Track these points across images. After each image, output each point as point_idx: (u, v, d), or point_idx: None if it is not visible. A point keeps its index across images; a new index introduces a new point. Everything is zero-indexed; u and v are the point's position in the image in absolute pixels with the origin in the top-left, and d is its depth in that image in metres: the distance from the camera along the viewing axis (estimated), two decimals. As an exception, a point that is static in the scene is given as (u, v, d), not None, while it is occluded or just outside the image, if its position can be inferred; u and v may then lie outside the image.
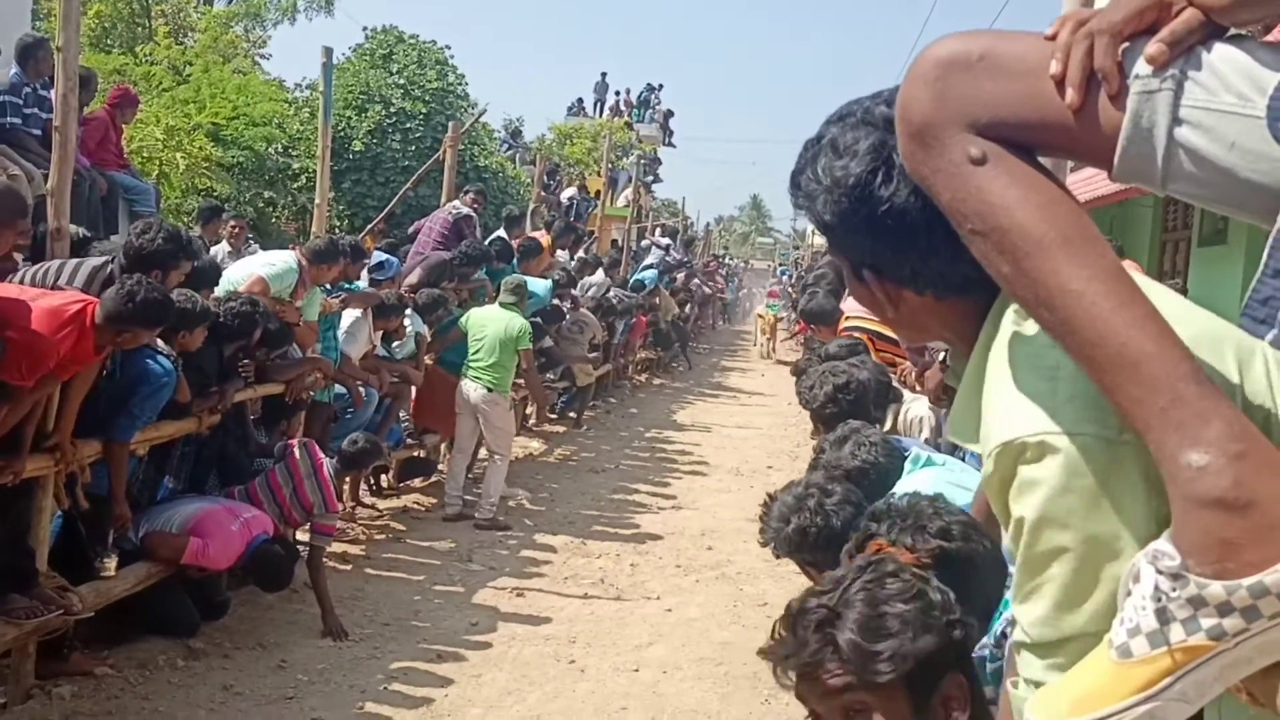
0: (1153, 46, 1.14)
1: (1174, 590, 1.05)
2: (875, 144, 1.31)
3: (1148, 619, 1.06)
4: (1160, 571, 1.06)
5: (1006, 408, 1.20)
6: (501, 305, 8.85)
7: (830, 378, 4.07)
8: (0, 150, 7.33)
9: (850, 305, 5.85)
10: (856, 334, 5.48)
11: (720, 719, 5.04)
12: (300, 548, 6.97)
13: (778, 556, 3.04)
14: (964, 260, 1.23)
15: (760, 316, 27.91)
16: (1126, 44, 1.16)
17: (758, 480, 10.72)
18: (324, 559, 6.27)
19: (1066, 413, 1.16)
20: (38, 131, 7.84)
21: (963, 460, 3.41)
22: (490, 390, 8.58)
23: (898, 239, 1.31)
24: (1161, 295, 1.22)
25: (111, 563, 5.08)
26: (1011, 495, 1.18)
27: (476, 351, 8.63)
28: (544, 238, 12.96)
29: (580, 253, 14.55)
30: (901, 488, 3.06)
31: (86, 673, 4.88)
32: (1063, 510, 1.14)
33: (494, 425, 8.70)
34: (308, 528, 7.43)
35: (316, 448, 6.19)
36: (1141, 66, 1.14)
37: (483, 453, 9.31)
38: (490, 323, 8.71)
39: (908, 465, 3.22)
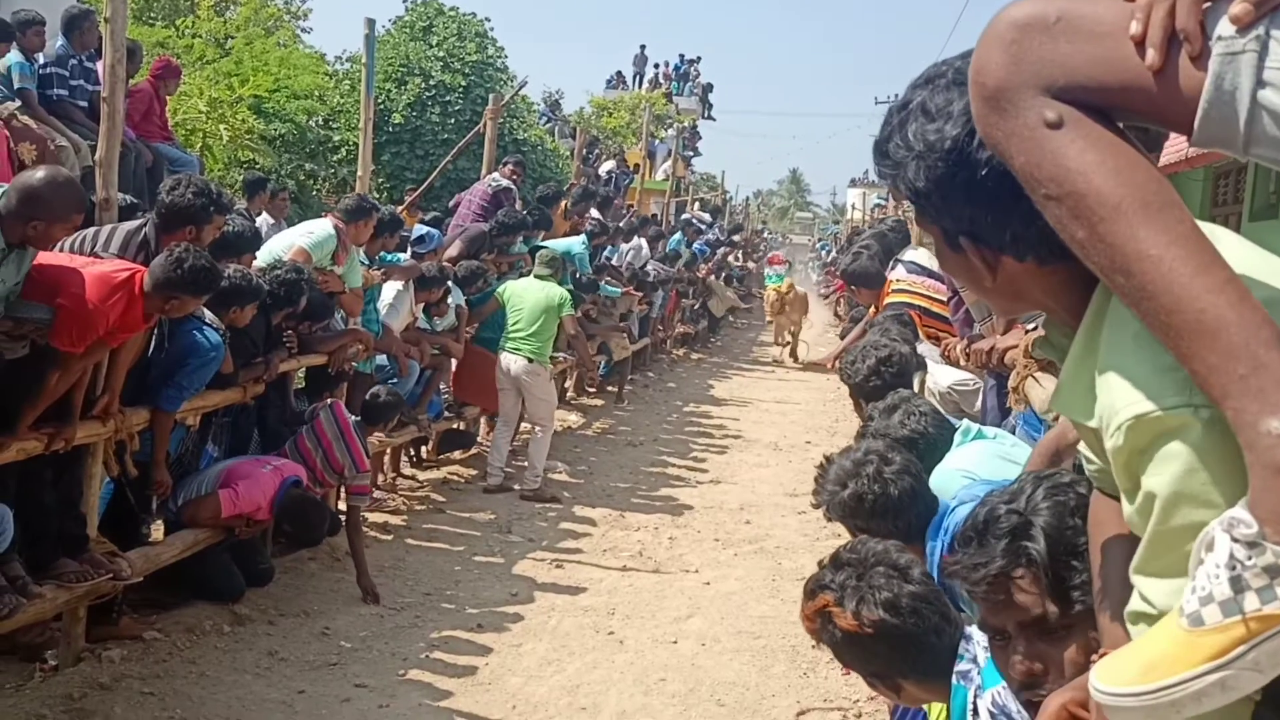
0: (1237, 6, 1.11)
1: (1250, 558, 1.04)
2: (969, 105, 1.27)
3: (1221, 587, 1.05)
4: (1236, 539, 1.04)
5: (1137, 379, 1.16)
6: (536, 277, 8.87)
7: (873, 351, 4.05)
8: (47, 122, 7.42)
9: (897, 274, 5.77)
10: (903, 307, 5.42)
11: (759, 691, 5.05)
12: (341, 516, 7.07)
13: (829, 519, 3.03)
14: None
15: (768, 293, 20.06)
16: (1209, 4, 1.13)
17: (796, 455, 10.70)
18: (361, 522, 6.33)
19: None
20: (84, 103, 7.92)
21: (1012, 431, 3.37)
22: (531, 361, 8.60)
23: (997, 203, 1.27)
24: (1240, 249, 1.19)
25: (158, 529, 5.15)
26: (1141, 469, 1.15)
27: (516, 323, 8.66)
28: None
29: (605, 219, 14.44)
30: (950, 461, 3.05)
31: (135, 637, 4.96)
32: (1197, 486, 1.11)
33: (536, 396, 8.73)
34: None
35: (343, 409, 6.25)
36: (1225, 27, 1.11)
37: (525, 425, 9.34)
38: (528, 293, 8.73)
39: (957, 437, 3.19)
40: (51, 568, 4.52)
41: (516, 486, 8.49)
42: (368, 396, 6.63)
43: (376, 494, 7.87)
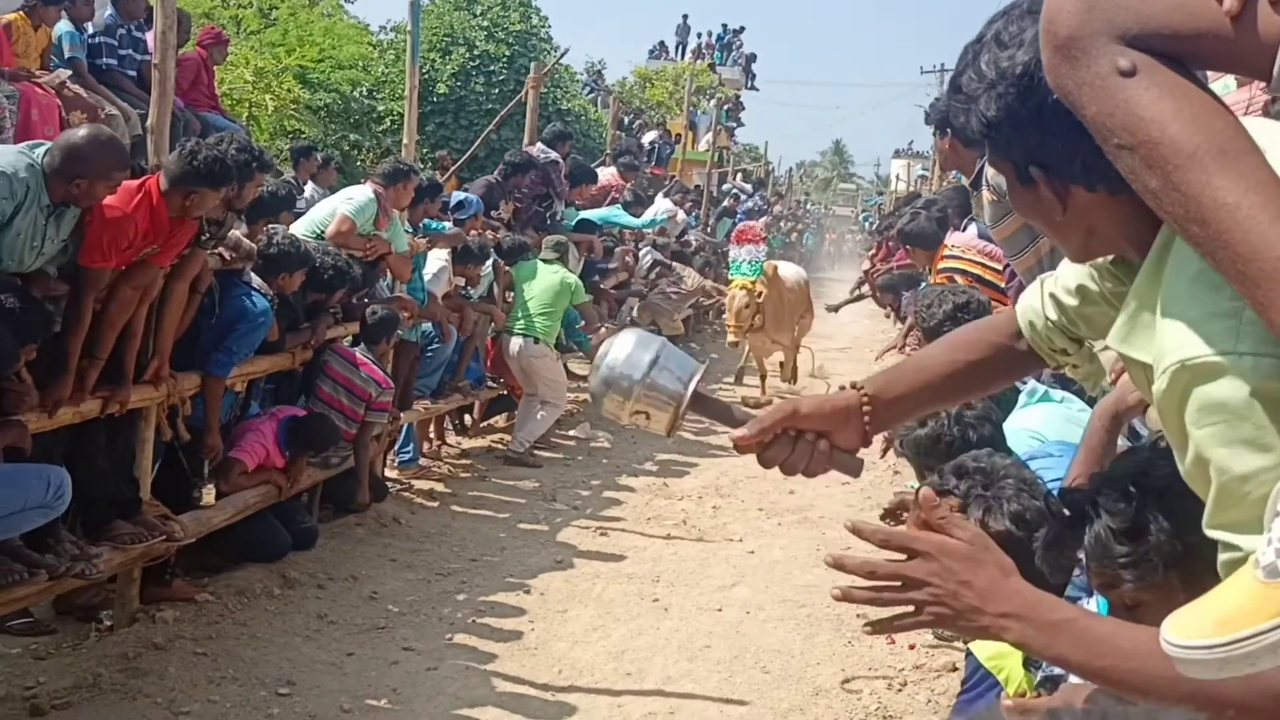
0: None
1: None
2: None
3: None
4: None
5: (1188, 324, 1.15)
6: (542, 261, 8.86)
7: (950, 296, 4.00)
8: (97, 90, 7.49)
9: (956, 238, 5.70)
10: (956, 276, 5.36)
11: (803, 659, 5.05)
12: (389, 484, 7.15)
13: (898, 455, 2.99)
14: None
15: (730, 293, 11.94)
16: None
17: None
18: (371, 437, 6.52)
19: (1251, 333, 1.11)
20: (132, 72, 7.99)
21: (1078, 394, 3.32)
22: (537, 341, 8.59)
23: (1068, 130, 1.25)
24: None
25: (209, 492, 5.23)
26: (1188, 418, 1.14)
27: (524, 305, 8.67)
28: (614, 176, 12.91)
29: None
30: (1017, 420, 3.01)
31: (188, 599, 5.04)
32: (1249, 433, 1.10)
33: (543, 377, 8.71)
34: (395, 464, 7.62)
35: (343, 347, 6.33)
36: None
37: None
38: (537, 277, 8.72)
39: (1022, 398, 3.15)
40: (106, 530, 4.60)
41: (535, 454, 8.51)
42: (366, 314, 6.63)
43: (422, 461, 7.95)
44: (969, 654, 3.01)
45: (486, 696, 4.55)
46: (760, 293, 10.96)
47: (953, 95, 1.38)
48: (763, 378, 12.24)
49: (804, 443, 1.67)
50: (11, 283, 3.92)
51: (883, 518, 4.13)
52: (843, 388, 1.77)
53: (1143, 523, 1.54)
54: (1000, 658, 2.68)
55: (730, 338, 11.30)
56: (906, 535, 1.48)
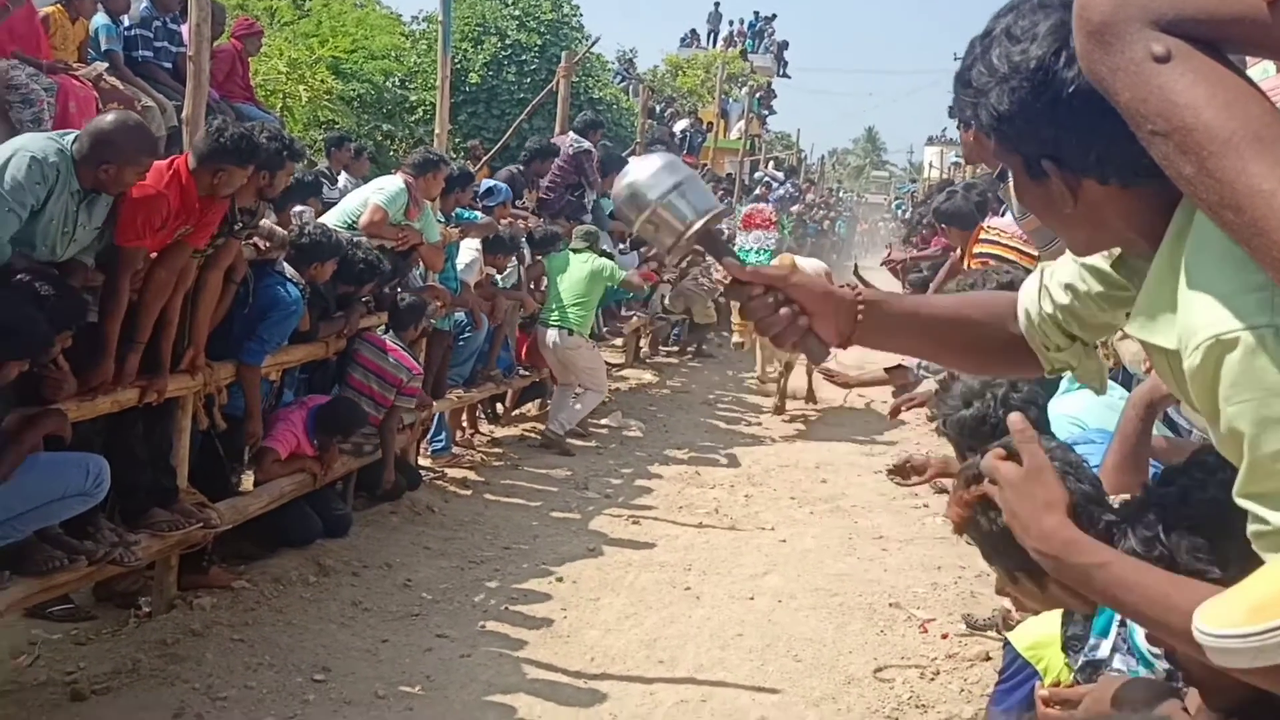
0: None
1: None
2: (1055, 24, 1.26)
3: None
4: None
5: (1219, 299, 1.14)
6: (572, 250, 8.87)
7: (995, 275, 3.97)
8: (133, 83, 7.55)
9: (995, 222, 5.64)
10: (991, 261, 5.31)
11: (835, 648, 5.05)
12: (422, 471, 7.20)
13: (940, 434, 2.97)
14: None
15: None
16: None
17: (873, 415, 10.62)
18: (398, 422, 6.55)
19: None
20: (168, 65, 8.05)
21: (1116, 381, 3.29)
22: (571, 333, 8.61)
23: (1082, 122, 1.25)
24: None
25: (248, 479, 5.29)
26: (1222, 394, 1.14)
27: (558, 296, 8.69)
28: None
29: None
30: (1059, 406, 2.99)
31: (225, 586, 5.10)
32: None
33: (581, 367, 8.75)
34: (428, 453, 7.66)
35: (373, 335, 6.37)
36: None
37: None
38: (569, 267, 8.73)
39: (1064, 383, 3.12)
40: (144, 518, 4.66)
41: (571, 440, 8.53)
42: (396, 300, 6.68)
43: (455, 449, 7.99)
44: (1007, 644, 3.00)
45: (519, 684, 4.58)
46: None
47: (961, 90, 1.37)
48: (767, 382, 10.94)
49: (787, 310, 1.65)
50: (47, 271, 3.97)
51: (890, 474, 4.21)
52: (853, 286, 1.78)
53: (1170, 555, 1.53)
54: (1039, 647, 2.67)
55: (735, 338, 9.80)
56: (985, 460, 1.60)
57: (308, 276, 5.62)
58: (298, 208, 6.10)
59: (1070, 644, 2.37)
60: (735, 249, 8.84)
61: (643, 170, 1.69)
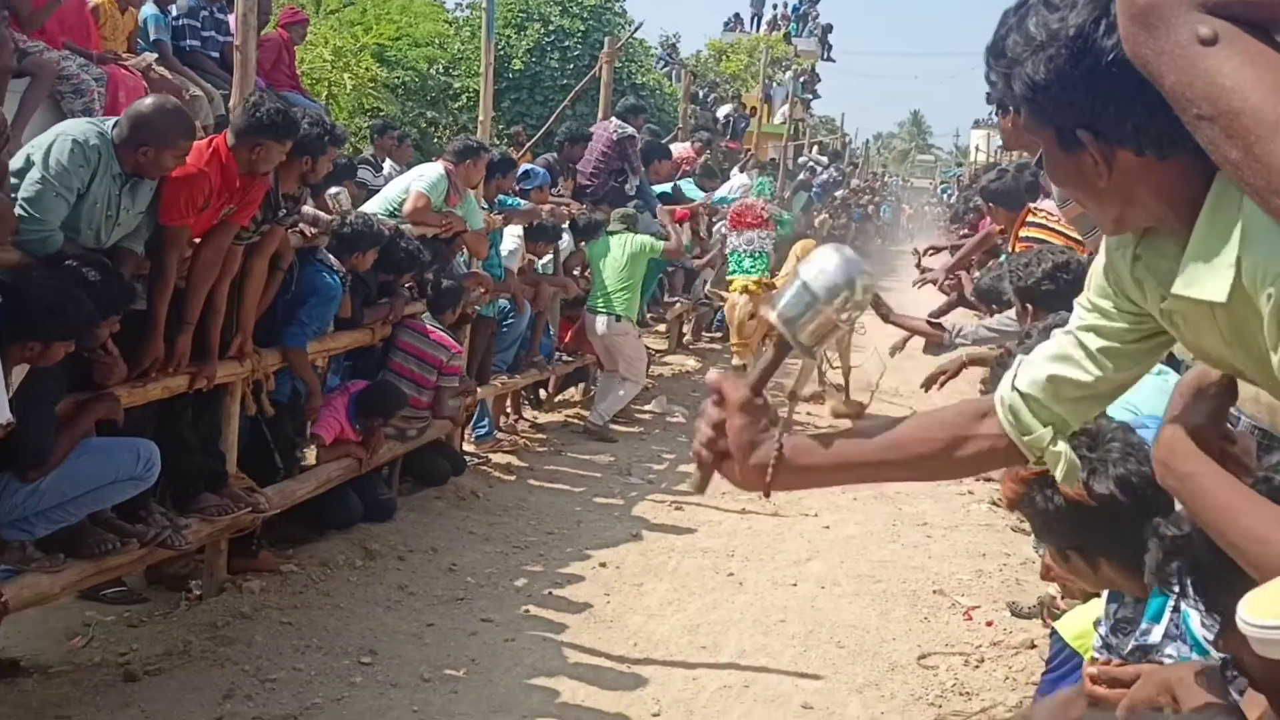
0: None
1: None
2: None
3: None
4: None
5: None
6: (610, 234, 8.87)
7: (1050, 255, 3.92)
8: (182, 72, 7.64)
9: (1046, 204, 5.56)
10: (1035, 244, 5.23)
11: (879, 635, 5.04)
12: (467, 457, 7.25)
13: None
14: None
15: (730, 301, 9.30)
16: None
17: (917, 401, 10.55)
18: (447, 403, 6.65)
19: None
20: (215, 54, 8.13)
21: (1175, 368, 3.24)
22: (619, 319, 8.61)
23: (1121, 92, 1.24)
24: None
25: (311, 453, 5.47)
26: None
27: (602, 281, 8.69)
28: (687, 150, 12.86)
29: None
30: None
31: (273, 569, 5.17)
32: None
33: (625, 355, 8.75)
34: (472, 439, 7.71)
35: (411, 321, 6.41)
36: None
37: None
38: (610, 252, 8.73)
39: None
40: (194, 502, 4.73)
41: (613, 426, 8.54)
42: (436, 284, 6.72)
43: (499, 436, 8.04)
44: (1053, 633, 2.98)
45: (563, 668, 4.61)
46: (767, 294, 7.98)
47: (994, 61, 1.35)
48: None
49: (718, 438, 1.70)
50: (95, 257, 4.02)
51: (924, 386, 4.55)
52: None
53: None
54: (1086, 636, 2.64)
55: (735, 360, 8.46)
56: None
57: (349, 265, 5.68)
58: (332, 189, 6.14)
59: (1119, 627, 2.34)
60: (730, 252, 8.20)
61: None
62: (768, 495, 1.68)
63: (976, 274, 7.31)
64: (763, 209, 8.76)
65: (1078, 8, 1.25)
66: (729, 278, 8.66)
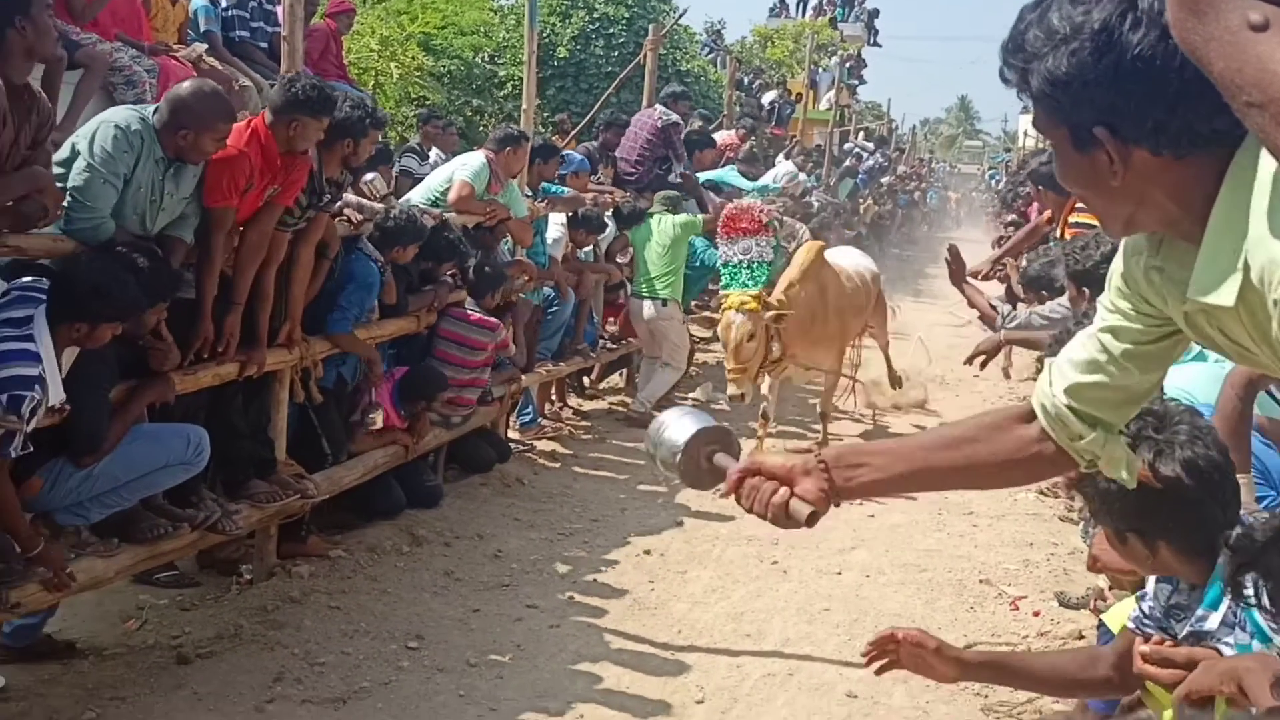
0: None
1: None
2: None
3: None
4: None
5: None
6: (651, 216, 8.85)
7: (1107, 240, 3.89)
8: (231, 63, 7.72)
9: None
10: (1086, 229, 5.16)
11: (924, 624, 5.00)
12: (512, 444, 7.29)
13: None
14: (1213, 110, 1.15)
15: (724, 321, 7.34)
16: None
17: (963, 389, 10.48)
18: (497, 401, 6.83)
19: None
20: (264, 44, 8.19)
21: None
22: (664, 304, 8.60)
23: (1143, 88, 1.22)
24: None
25: (377, 418, 5.66)
26: None
27: (645, 264, 8.68)
28: (731, 137, 12.80)
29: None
30: (1168, 380, 2.92)
31: (322, 554, 5.24)
32: None
33: (670, 340, 8.73)
34: (516, 426, 7.75)
35: (453, 309, 6.45)
36: None
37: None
38: (652, 236, 8.71)
39: None
40: (244, 489, 4.80)
41: (656, 414, 8.52)
42: (471, 272, 6.73)
43: (543, 423, 8.08)
44: (1101, 625, 2.95)
45: (607, 654, 4.64)
46: (774, 311, 7.14)
47: (1011, 55, 1.33)
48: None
49: (769, 484, 1.77)
50: (143, 244, 4.07)
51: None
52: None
53: None
54: None
55: (731, 389, 7.21)
56: None
57: (389, 257, 5.72)
58: (368, 176, 6.17)
59: (1172, 612, 2.32)
60: (722, 264, 7.39)
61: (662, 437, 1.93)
62: (837, 504, 1.79)
63: (1023, 262, 7.25)
64: (761, 212, 7.57)
65: (1103, 2, 1.24)
66: (723, 292, 7.43)
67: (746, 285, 7.21)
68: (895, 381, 9.19)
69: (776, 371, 7.51)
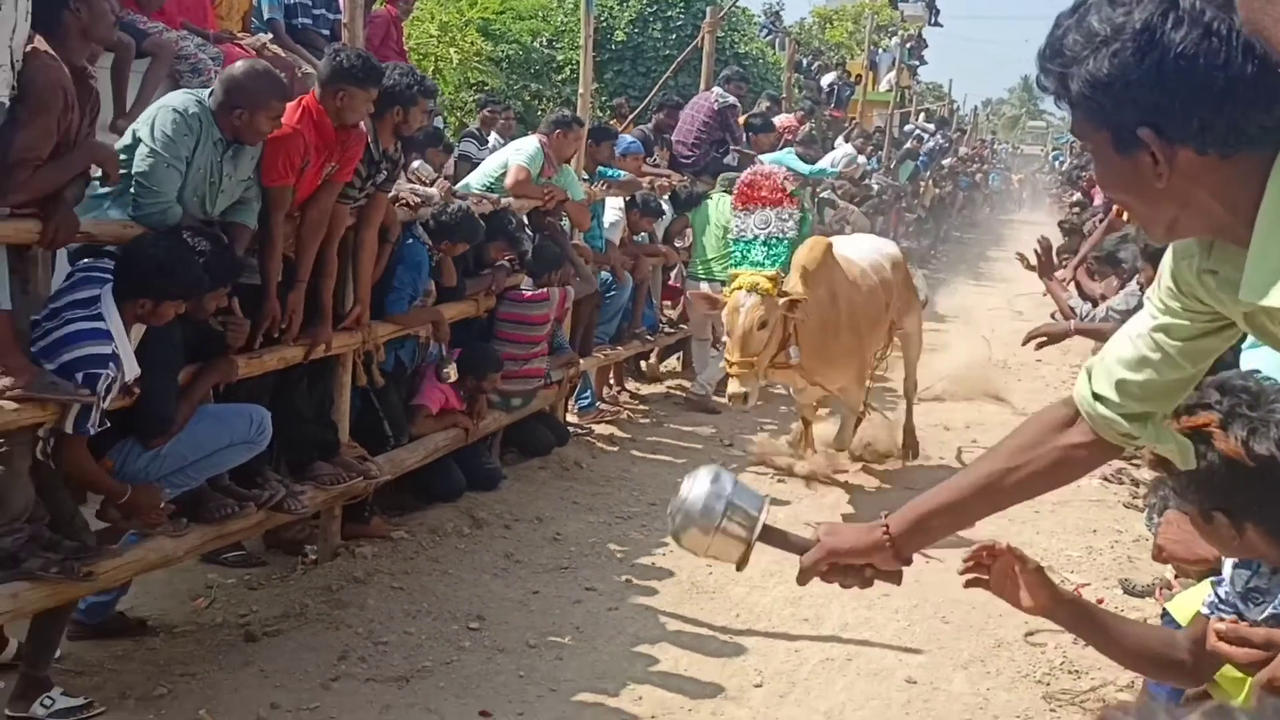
0: None
1: None
2: None
3: None
4: None
5: None
6: (708, 198, 8.81)
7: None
8: (294, 50, 7.81)
9: None
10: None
11: (985, 610, 4.94)
12: (570, 428, 7.33)
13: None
14: (1261, 107, 1.13)
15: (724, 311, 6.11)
16: None
17: (1026, 373, 10.36)
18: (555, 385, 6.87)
19: None
20: (326, 31, 8.27)
21: None
22: (723, 285, 8.55)
23: (1188, 87, 1.21)
24: None
25: (451, 371, 5.80)
26: None
27: (702, 249, 8.66)
28: (790, 119, 12.72)
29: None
30: (1243, 360, 2.87)
31: (384, 536, 5.32)
32: None
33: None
34: (575, 410, 7.78)
35: (508, 291, 6.49)
36: None
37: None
38: (710, 219, 8.67)
39: (1248, 338, 3.00)
40: (308, 470, 4.88)
41: (715, 398, 8.50)
42: (530, 251, 6.77)
43: (601, 407, 8.11)
44: (1165, 614, 2.91)
45: (665, 637, 4.66)
46: (788, 297, 5.96)
47: (1049, 61, 1.32)
48: (805, 427, 7.20)
49: (851, 569, 1.93)
50: (207, 230, 4.13)
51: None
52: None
53: None
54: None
55: (732, 386, 5.96)
56: None
57: (440, 249, 5.76)
58: (415, 163, 6.19)
59: (1250, 596, 2.28)
60: (735, 238, 6.37)
61: (693, 500, 1.98)
62: (908, 562, 1.95)
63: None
64: (784, 178, 6.39)
65: (1143, 2, 1.23)
66: (732, 270, 6.36)
67: (761, 264, 6.15)
68: (908, 441, 7.43)
69: (786, 376, 6.50)
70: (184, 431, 4.07)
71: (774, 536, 1.99)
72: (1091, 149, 1.37)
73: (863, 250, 7.09)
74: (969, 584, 2.01)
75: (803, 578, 1.92)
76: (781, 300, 5.93)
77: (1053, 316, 6.38)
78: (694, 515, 1.97)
